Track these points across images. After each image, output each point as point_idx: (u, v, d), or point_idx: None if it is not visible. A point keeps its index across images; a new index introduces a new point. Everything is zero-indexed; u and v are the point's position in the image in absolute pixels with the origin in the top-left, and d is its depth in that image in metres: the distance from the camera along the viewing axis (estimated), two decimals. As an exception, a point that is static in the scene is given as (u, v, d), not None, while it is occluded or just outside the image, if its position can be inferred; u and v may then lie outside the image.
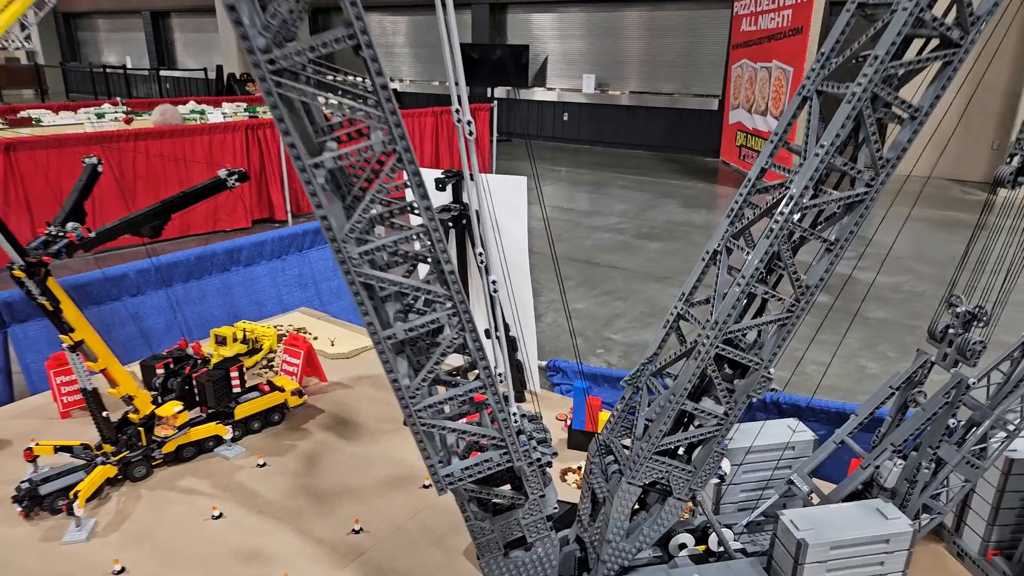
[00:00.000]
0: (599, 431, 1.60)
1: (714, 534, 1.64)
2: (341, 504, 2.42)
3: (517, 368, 3.03)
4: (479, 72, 14.38)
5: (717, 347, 1.35)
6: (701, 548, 1.64)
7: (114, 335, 4.01)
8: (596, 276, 6.80)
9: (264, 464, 2.65)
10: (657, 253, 7.76)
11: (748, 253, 1.34)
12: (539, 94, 15.89)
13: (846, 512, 1.46)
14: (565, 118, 15.63)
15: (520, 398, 3.17)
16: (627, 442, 1.59)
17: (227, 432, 2.69)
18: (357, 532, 2.26)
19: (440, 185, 2.86)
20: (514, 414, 1.29)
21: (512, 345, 3.02)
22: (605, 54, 14.86)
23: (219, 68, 15.73)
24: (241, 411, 2.80)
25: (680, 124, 13.65)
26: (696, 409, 1.42)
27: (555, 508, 1.46)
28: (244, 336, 3.57)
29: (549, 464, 1.37)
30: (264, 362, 3.55)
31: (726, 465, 1.53)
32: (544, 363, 3.49)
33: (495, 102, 11.12)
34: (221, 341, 3.51)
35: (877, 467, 1.54)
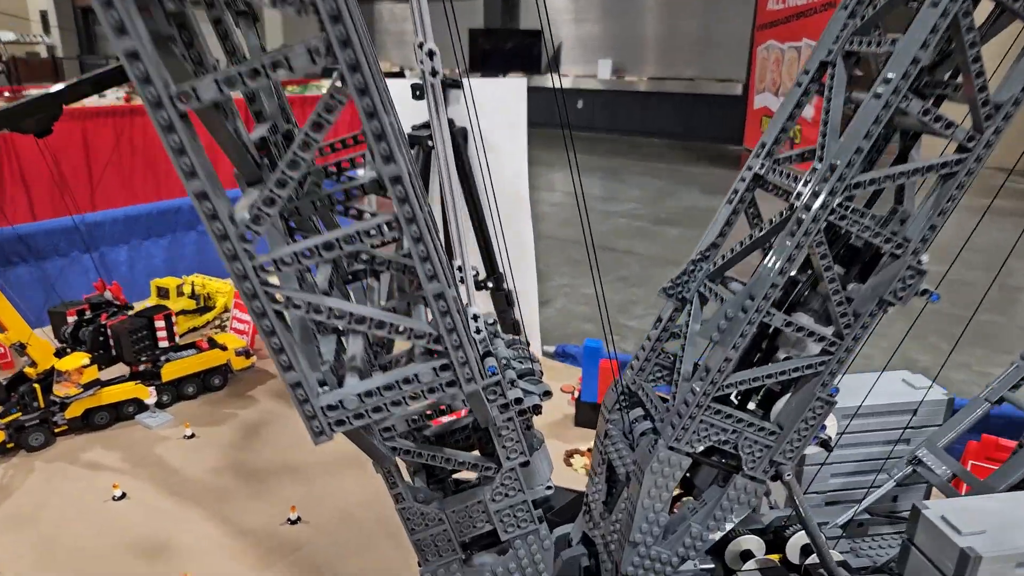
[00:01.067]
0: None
1: (795, 538, 1.07)
2: (280, 485, 1.88)
3: (513, 327, 2.48)
4: (491, 59, 14.19)
5: (833, 212, 0.79)
6: (775, 558, 1.07)
7: (53, 292, 3.48)
8: (611, 261, 6.26)
9: (193, 435, 2.11)
10: (676, 239, 7.19)
11: (892, 43, 0.77)
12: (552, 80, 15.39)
13: (1028, 506, 0.89)
14: (579, 105, 15.19)
15: (518, 367, 2.58)
16: (665, 393, 1.02)
17: (149, 395, 2.16)
18: (294, 522, 1.71)
19: (418, 93, 2.31)
20: (475, 317, 0.73)
21: (507, 299, 2.47)
22: (621, 38, 14.39)
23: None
24: (170, 371, 2.25)
25: (701, 110, 13.11)
26: (789, 325, 0.85)
27: (548, 487, 0.91)
28: (193, 291, 3.04)
29: (537, 410, 0.81)
30: (216, 322, 3.03)
31: (831, 425, 0.97)
32: (552, 348, 2.89)
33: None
34: (163, 294, 2.96)
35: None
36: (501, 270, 2.40)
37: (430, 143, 2.31)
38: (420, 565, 0.87)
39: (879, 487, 1.12)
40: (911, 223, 0.82)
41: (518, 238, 2.37)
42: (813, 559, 1.03)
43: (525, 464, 0.83)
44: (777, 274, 0.81)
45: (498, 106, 2.27)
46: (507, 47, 14.31)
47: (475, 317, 0.73)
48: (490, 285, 2.43)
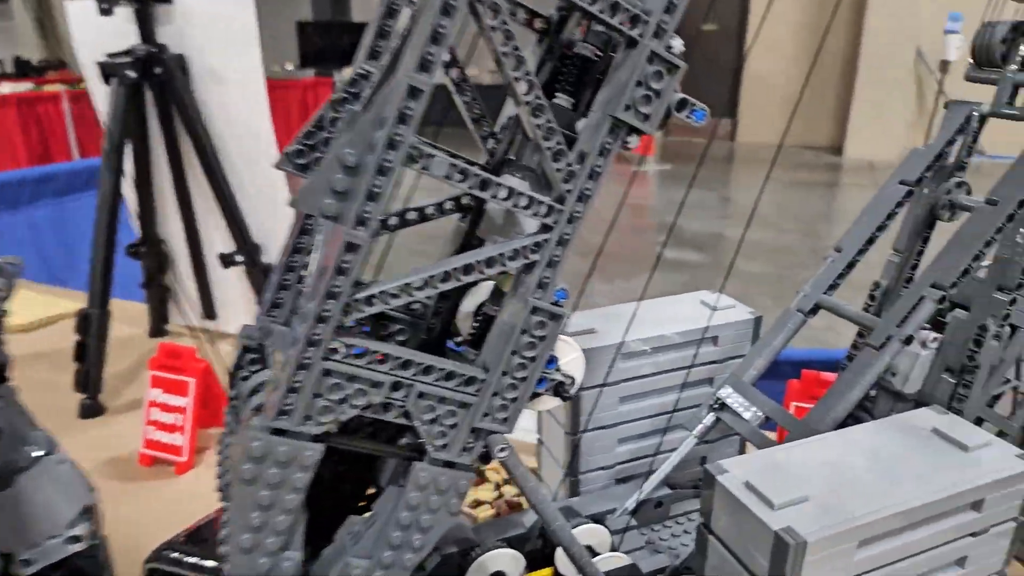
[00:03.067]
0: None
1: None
2: None
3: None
4: (324, 55, 13.56)
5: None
6: (543, 575, 0.71)
7: None
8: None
9: None
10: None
11: None
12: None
13: (861, 452, 0.58)
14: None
15: (160, 331, 1.93)
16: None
17: None
18: None
19: (105, 7, 1.74)
20: None
21: (267, 275, 1.94)
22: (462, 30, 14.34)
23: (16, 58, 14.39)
24: None
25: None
26: (463, 178, 0.47)
27: (76, 538, 0.47)
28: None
29: None
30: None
31: (572, 359, 0.60)
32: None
33: (338, 81, 10.24)
34: None
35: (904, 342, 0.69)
36: (254, 239, 1.90)
37: (131, 74, 1.75)
38: None
39: (678, 447, 0.80)
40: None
41: (270, 193, 1.86)
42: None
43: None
44: (419, 69, 0.42)
45: (219, 22, 1.76)
46: (340, 42, 13.72)
47: None
48: (240, 259, 1.90)
